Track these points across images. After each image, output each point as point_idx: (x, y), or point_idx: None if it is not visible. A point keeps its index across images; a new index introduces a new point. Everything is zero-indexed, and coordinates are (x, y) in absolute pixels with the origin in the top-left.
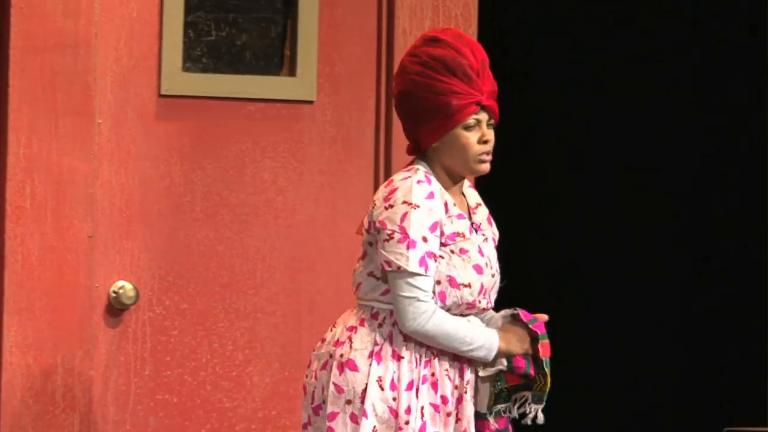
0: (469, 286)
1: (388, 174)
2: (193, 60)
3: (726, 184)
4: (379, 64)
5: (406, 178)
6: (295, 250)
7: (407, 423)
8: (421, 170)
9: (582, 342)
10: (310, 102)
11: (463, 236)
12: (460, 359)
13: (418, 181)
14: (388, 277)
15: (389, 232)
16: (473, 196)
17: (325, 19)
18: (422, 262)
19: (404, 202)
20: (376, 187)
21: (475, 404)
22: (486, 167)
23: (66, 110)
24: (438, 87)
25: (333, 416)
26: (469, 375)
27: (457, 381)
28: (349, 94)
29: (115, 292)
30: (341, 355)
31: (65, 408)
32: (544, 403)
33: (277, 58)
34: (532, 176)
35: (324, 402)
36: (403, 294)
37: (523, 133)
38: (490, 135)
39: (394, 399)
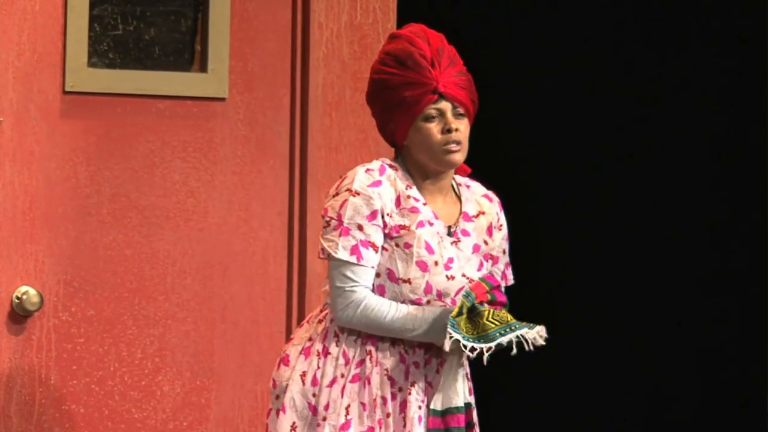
0: (409, 282)
1: (303, 174)
2: (99, 55)
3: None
4: (294, 60)
5: (360, 166)
6: (207, 254)
7: (325, 419)
8: (382, 160)
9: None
10: (222, 99)
11: (408, 229)
12: (405, 361)
13: (367, 170)
14: (327, 265)
15: (327, 220)
16: (481, 205)
17: (237, 13)
18: (354, 250)
19: (347, 190)
20: (290, 189)
21: (447, 399)
22: (455, 157)
23: None
24: (391, 81)
25: (268, 414)
26: (416, 377)
27: (401, 383)
28: (263, 91)
29: (18, 298)
30: (284, 352)
31: None
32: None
33: (188, 53)
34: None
35: None
36: (334, 283)
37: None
38: (456, 124)
39: (314, 395)
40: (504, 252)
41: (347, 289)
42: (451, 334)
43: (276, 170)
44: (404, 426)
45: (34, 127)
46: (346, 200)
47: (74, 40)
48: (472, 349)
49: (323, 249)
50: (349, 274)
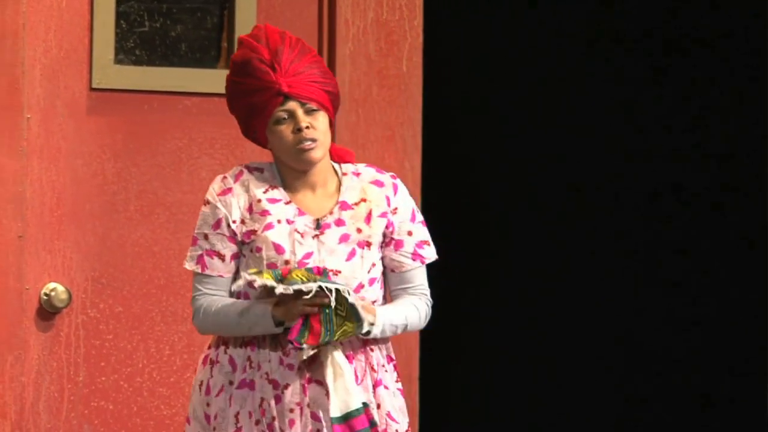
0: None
1: None
2: (126, 52)
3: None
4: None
5: (220, 175)
6: None
7: (214, 430)
8: (244, 166)
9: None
10: None
11: (257, 234)
12: (282, 362)
13: (223, 177)
14: None
15: None
16: (366, 192)
17: (263, 9)
18: (199, 260)
19: (204, 200)
20: None
21: (343, 404)
22: (311, 155)
23: None
24: (238, 90)
25: (187, 420)
26: (289, 378)
27: (282, 385)
28: None
29: (46, 295)
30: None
31: None
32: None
33: (214, 50)
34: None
35: None
36: (193, 295)
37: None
38: (308, 121)
39: (208, 404)
40: (410, 233)
41: (194, 298)
42: (256, 279)
43: None
44: (282, 429)
45: (61, 123)
46: (201, 211)
47: (101, 36)
48: (273, 289)
49: None
50: (196, 284)
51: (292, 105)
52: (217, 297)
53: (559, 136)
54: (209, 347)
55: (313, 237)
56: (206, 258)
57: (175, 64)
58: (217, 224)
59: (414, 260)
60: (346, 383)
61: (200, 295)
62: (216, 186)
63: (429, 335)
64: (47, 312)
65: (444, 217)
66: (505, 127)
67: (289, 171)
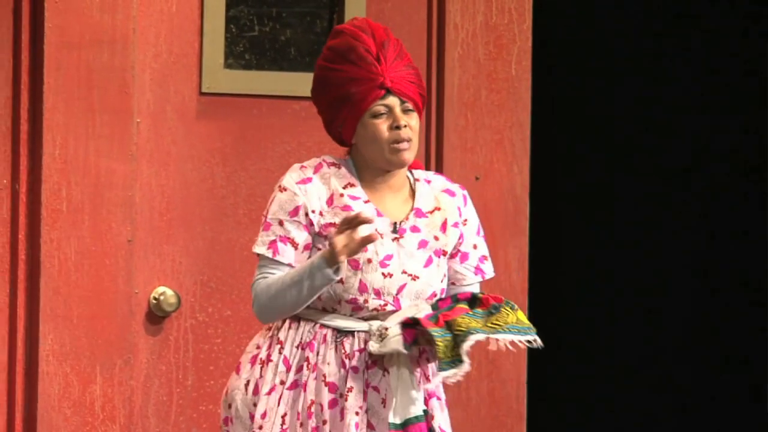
0: (341, 282)
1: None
2: (236, 56)
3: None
4: (429, 60)
5: (297, 164)
6: None
7: (261, 428)
8: (322, 158)
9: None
10: None
11: (324, 227)
12: (345, 366)
13: (302, 167)
14: None
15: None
16: (439, 201)
17: (372, 14)
18: (272, 244)
19: (277, 186)
20: None
21: (405, 410)
22: (404, 156)
23: (103, 109)
24: (335, 77)
25: (225, 421)
26: (353, 382)
27: (341, 388)
28: None
29: (155, 299)
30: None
31: (104, 419)
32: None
33: None
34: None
35: None
36: (256, 275)
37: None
38: (405, 120)
39: (255, 404)
40: (474, 247)
41: (256, 282)
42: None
43: None
44: None
45: (171, 128)
46: (274, 196)
47: (210, 41)
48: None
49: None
50: (261, 268)
51: (392, 101)
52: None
53: (670, 137)
54: (257, 347)
55: (393, 240)
56: (279, 244)
57: (285, 68)
58: (294, 211)
59: (476, 275)
60: (409, 390)
61: (261, 278)
62: (294, 174)
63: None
64: (156, 316)
65: (552, 220)
66: (614, 129)
67: (369, 170)
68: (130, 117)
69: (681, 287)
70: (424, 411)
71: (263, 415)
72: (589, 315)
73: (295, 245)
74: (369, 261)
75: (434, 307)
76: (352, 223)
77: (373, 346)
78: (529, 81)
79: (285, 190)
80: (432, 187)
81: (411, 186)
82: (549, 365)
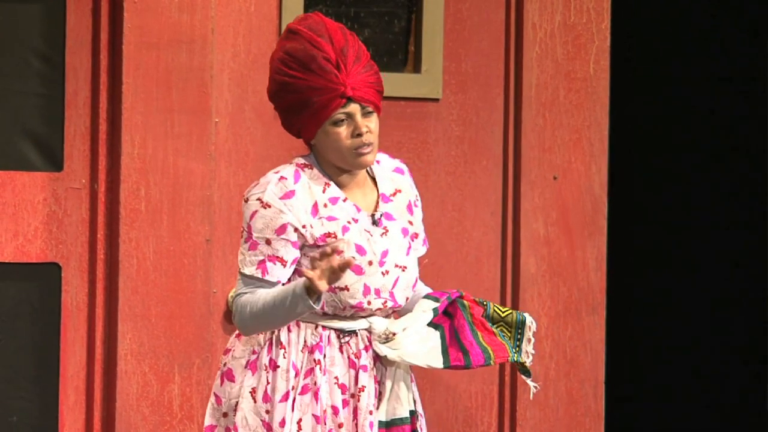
0: (347, 289)
1: (517, 174)
2: None
3: None
4: (507, 61)
5: (276, 171)
6: None
7: None
8: (296, 163)
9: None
10: (436, 100)
11: (335, 237)
12: (354, 366)
13: (281, 178)
14: None
15: (242, 230)
16: (395, 182)
17: (450, 14)
18: (260, 264)
19: (257, 199)
20: (504, 189)
21: (392, 410)
22: (367, 159)
23: (182, 109)
24: (295, 85)
25: (210, 429)
26: (365, 381)
27: (352, 389)
28: (476, 91)
29: (233, 298)
30: (224, 365)
31: (182, 419)
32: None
33: (401, 54)
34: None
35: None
36: (236, 293)
37: (655, 126)
38: (367, 125)
39: (267, 411)
40: (421, 221)
41: (238, 295)
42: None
43: (489, 170)
44: None
45: (249, 128)
46: (256, 211)
47: None
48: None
49: (239, 261)
50: (245, 285)
51: (353, 108)
52: (249, 295)
53: (749, 137)
54: (253, 352)
55: (381, 235)
56: (268, 263)
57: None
58: (281, 229)
59: (423, 245)
60: (401, 390)
61: (246, 294)
62: (275, 188)
63: (613, 334)
64: None
65: (631, 219)
66: (691, 128)
67: (334, 170)
68: (209, 117)
69: (763, 287)
70: (411, 412)
71: (281, 423)
72: (667, 314)
73: (284, 263)
74: (370, 263)
75: (435, 312)
76: (328, 255)
77: (385, 350)
78: (608, 80)
79: (269, 206)
80: (383, 167)
81: (368, 172)
82: (627, 365)
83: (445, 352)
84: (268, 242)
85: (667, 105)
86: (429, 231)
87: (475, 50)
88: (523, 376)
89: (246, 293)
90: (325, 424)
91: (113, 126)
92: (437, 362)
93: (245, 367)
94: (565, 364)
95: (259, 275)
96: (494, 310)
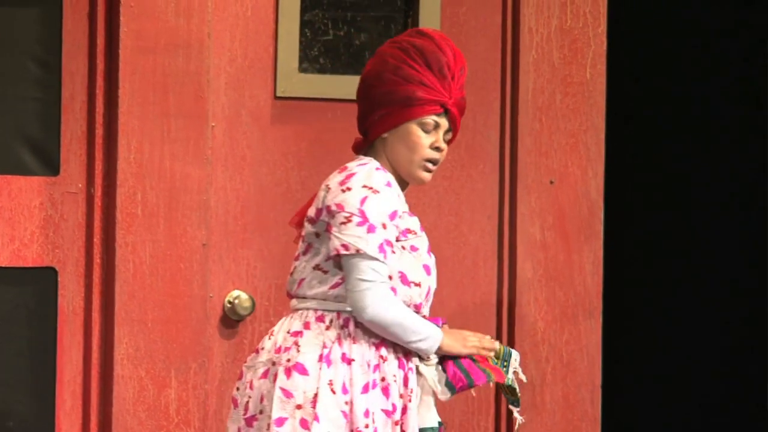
0: (419, 285)
1: (513, 178)
2: (310, 60)
3: None
4: (503, 65)
5: (363, 164)
6: None
7: (366, 426)
8: (375, 161)
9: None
10: None
11: (415, 233)
12: (403, 366)
13: (377, 168)
14: (344, 262)
15: (347, 215)
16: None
17: (447, 18)
18: (381, 248)
19: (364, 186)
20: (500, 193)
21: (421, 418)
22: (427, 177)
23: (178, 113)
24: (408, 72)
25: (281, 422)
26: (412, 384)
27: (401, 389)
28: (473, 95)
29: (230, 303)
30: (288, 360)
31: (179, 423)
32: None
33: None
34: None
35: (260, 412)
36: (363, 277)
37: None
38: (444, 145)
39: (347, 403)
40: None
41: (381, 282)
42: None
43: (486, 174)
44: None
45: (246, 132)
46: (366, 197)
47: (285, 45)
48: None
49: (347, 245)
50: (378, 269)
51: (443, 122)
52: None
53: (748, 140)
54: (324, 346)
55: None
56: (386, 247)
57: (359, 72)
58: (393, 215)
59: None
60: (429, 400)
61: (385, 282)
62: (379, 176)
63: (610, 339)
64: (231, 320)
65: (626, 224)
66: (690, 134)
67: (392, 171)
68: (205, 121)
69: (761, 292)
70: (439, 423)
71: (366, 413)
72: (664, 319)
73: (392, 250)
74: (433, 268)
75: None
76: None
77: (419, 364)
78: (604, 85)
79: (377, 192)
80: None
81: None
82: (623, 369)
83: (448, 383)
84: (383, 226)
85: (664, 110)
86: (427, 236)
87: (471, 54)
88: (511, 406)
89: (383, 282)
90: (390, 418)
91: (110, 130)
92: (445, 395)
93: (318, 360)
94: (562, 368)
95: (382, 258)
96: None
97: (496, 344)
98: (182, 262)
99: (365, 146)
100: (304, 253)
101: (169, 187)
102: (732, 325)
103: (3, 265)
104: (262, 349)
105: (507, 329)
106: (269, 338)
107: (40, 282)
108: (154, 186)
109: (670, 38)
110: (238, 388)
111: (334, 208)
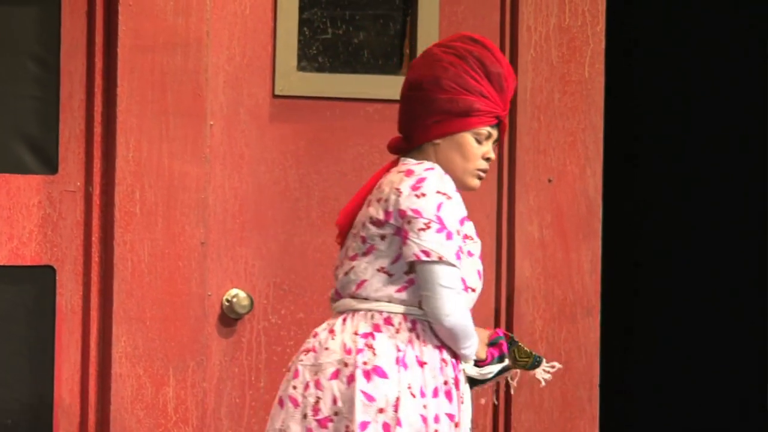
0: (474, 291)
1: (512, 177)
2: (309, 59)
3: None
4: None
5: (430, 169)
6: None
7: (437, 431)
8: (437, 165)
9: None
10: None
11: (472, 239)
12: (456, 369)
13: (444, 173)
14: (422, 267)
15: (425, 221)
16: None
17: (445, 16)
18: (458, 255)
19: (438, 192)
20: (499, 191)
21: None
22: (478, 184)
23: (176, 112)
24: (469, 82)
25: (364, 425)
26: (462, 386)
27: (455, 392)
28: None
29: (228, 301)
30: (365, 363)
31: (177, 421)
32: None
33: (396, 56)
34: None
35: (336, 414)
36: (445, 284)
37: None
38: (493, 155)
39: (425, 407)
40: None
41: (461, 288)
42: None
43: None
44: None
45: (244, 130)
46: (441, 203)
47: (284, 44)
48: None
49: (428, 252)
50: (457, 276)
51: (495, 133)
52: None
53: (747, 139)
54: (398, 350)
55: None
56: (460, 253)
57: (358, 71)
58: (462, 221)
59: None
60: (470, 406)
61: (461, 289)
62: (450, 182)
63: (608, 337)
64: (229, 318)
65: (625, 222)
66: (688, 132)
67: None
68: (204, 120)
69: (761, 289)
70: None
71: (435, 419)
72: (662, 317)
73: (460, 256)
74: (482, 273)
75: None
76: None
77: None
78: (602, 83)
79: (450, 198)
80: None
81: None
82: (622, 367)
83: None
84: (458, 233)
85: (663, 108)
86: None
87: None
88: (532, 370)
89: (462, 289)
90: (453, 421)
91: (108, 129)
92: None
93: (395, 363)
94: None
95: (458, 264)
96: (516, 349)
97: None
98: (180, 261)
99: (410, 148)
100: (365, 254)
101: (168, 185)
102: (731, 324)
103: (1, 264)
104: (326, 349)
105: (505, 327)
106: (332, 338)
107: (39, 280)
108: (153, 184)
109: (669, 37)
110: (295, 387)
111: (410, 213)
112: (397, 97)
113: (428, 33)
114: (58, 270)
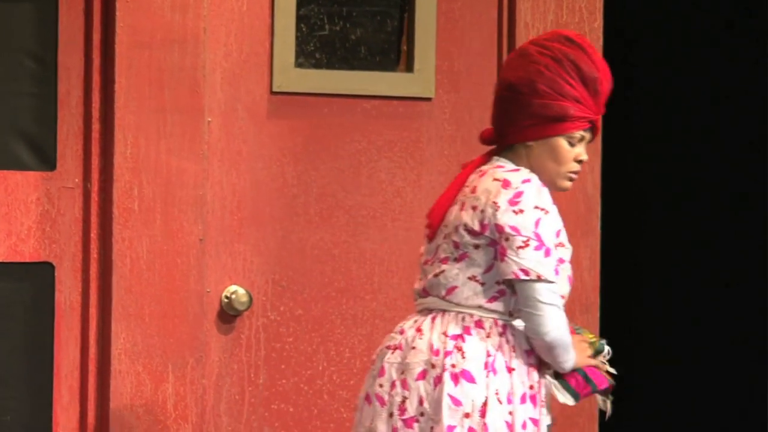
0: (563, 297)
1: None
2: (306, 55)
3: None
4: (500, 59)
5: (526, 181)
6: (414, 254)
7: None
8: (532, 174)
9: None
10: (428, 99)
11: (564, 245)
12: (541, 375)
13: (543, 184)
14: (523, 286)
15: (524, 239)
16: None
17: (443, 13)
18: (556, 270)
19: (536, 207)
20: None
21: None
22: (569, 186)
23: (174, 108)
24: (564, 88)
25: (451, 429)
26: (544, 393)
27: (539, 398)
28: (469, 90)
29: (227, 298)
30: (453, 366)
31: (176, 418)
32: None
33: (394, 53)
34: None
35: (421, 414)
36: (544, 300)
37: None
38: (585, 156)
39: (510, 413)
40: None
41: (560, 308)
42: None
43: None
44: None
45: (242, 127)
46: (539, 219)
47: (281, 40)
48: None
49: (527, 270)
50: (556, 291)
51: (588, 136)
52: None
53: (745, 137)
54: (488, 355)
55: None
56: (558, 267)
57: (355, 67)
58: (557, 234)
59: None
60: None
61: (561, 304)
62: (546, 194)
63: (606, 334)
64: (228, 315)
65: (623, 221)
66: (686, 130)
67: None
68: (201, 116)
69: (761, 287)
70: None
71: (523, 425)
72: (661, 314)
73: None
74: (571, 278)
75: None
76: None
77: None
78: None
79: (548, 212)
80: None
81: None
82: (622, 366)
83: (571, 390)
84: (555, 247)
85: (661, 105)
86: (421, 231)
87: (467, 49)
88: (602, 398)
89: (561, 304)
90: (537, 427)
91: (106, 125)
92: (569, 401)
93: (484, 368)
94: None
95: (557, 279)
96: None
97: (593, 340)
98: (179, 257)
99: (502, 144)
100: (457, 260)
101: (166, 182)
102: (731, 322)
103: (0, 260)
104: (413, 348)
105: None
106: (420, 338)
107: (37, 277)
108: (151, 181)
109: (667, 34)
110: (381, 385)
111: (508, 230)
112: (395, 93)
113: (426, 29)
114: (57, 267)
